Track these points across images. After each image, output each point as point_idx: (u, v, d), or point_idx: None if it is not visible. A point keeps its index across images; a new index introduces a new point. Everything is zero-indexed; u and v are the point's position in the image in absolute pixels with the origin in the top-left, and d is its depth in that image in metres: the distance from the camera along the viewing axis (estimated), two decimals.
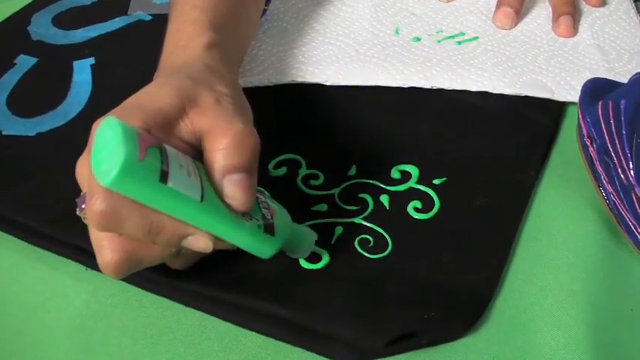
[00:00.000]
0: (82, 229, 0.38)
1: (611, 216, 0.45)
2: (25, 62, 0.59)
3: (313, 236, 0.42)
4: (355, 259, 0.43)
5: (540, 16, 0.63)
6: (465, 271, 0.42)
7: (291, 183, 0.48)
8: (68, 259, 0.44)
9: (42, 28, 0.63)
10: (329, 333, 0.39)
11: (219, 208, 0.36)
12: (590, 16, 0.63)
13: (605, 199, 0.45)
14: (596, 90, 0.47)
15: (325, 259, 0.42)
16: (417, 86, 0.56)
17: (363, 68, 0.57)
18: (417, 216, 0.45)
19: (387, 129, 0.52)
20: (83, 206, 0.36)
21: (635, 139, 0.42)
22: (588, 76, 0.54)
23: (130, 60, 0.59)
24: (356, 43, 0.60)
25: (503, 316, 0.41)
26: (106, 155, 0.33)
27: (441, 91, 0.56)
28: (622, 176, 0.43)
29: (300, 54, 0.58)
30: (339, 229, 0.44)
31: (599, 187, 0.46)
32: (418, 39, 0.60)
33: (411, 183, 0.48)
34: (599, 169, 0.45)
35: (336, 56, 0.58)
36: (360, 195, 0.47)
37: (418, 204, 0.46)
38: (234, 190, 0.36)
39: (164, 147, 0.35)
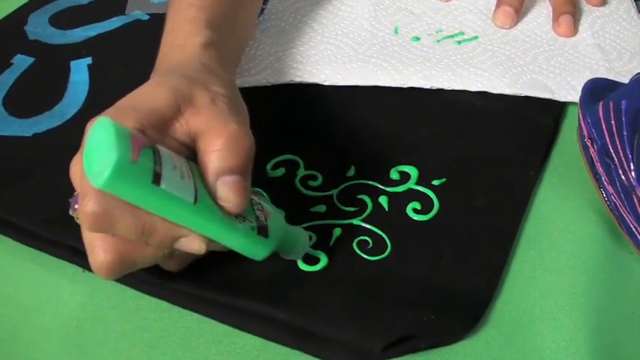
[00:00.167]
0: (79, 231, 0.37)
1: (612, 217, 0.44)
2: (21, 62, 0.59)
3: (306, 238, 0.42)
4: (354, 260, 0.43)
5: (540, 15, 0.63)
6: (465, 273, 0.42)
7: (289, 184, 0.47)
8: (64, 261, 0.44)
9: (39, 28, 0.63)
10: (327, 335, 0.39)
11: (213, 210, 0.35)
12: (591, 15, 0.62)
13: (606, 200, 0.45)
14: (597, 90, 0.47)
15: (323, 261, 0.42)
16: (416, 86, 0.55)
17: (361, 68, 0.56)
18: (416, 217, 0.45)
19: (386, 129, 0.52)
20: (76, 206, 0.35)
21: (636, 139, 0.42)
22: (589, 75, 0.54)
23: (127, 60, 0.59)
24: (355, 42, 0.59)
25: (503, 319, 0.40)
26: (98, 156, 0.32)
27: (440, 91, 0.55)
28: (623, 177, 0.43)
29: (298, 54, 0.58)
30: (337, 231, 0.44)
31: (600, 188, 0.45)
32: (417, 38, 0.60)
33: (410, 184, 0.47)
34: (600, 169, 0.45)
35: (334, 56, 0.58)
36: (359, 196, 0.46)
37: (417, 205, 0.46)
38: (228, 192, 0.36)
39: (157, 148, 0.34)
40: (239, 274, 0.41)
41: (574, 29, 0.60)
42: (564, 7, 0.61)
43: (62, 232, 0.43)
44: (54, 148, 0.51)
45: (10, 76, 0.58)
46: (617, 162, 0.43)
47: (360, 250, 0.43)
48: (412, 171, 0.48)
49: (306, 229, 0.44)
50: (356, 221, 0.45)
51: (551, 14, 0.62)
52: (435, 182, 0.47)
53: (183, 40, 0.45)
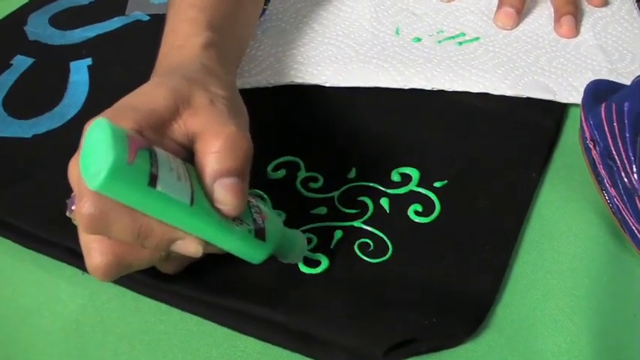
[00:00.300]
0: (78, 233, 0.37)
1: (614, 220, 0.44)
2: (21, 63, 0.59)
3: (305, 241, 0.41)
4: (355, 263, 0.42)
5: (542, 16, 0.62)
6: (466, 276, 0.42)
7: (290, 186, 0.47)
8: (64, 263, 0.43)
9: (39, 28, 0.63)
10: (328, 338, 0.39)
11: (210, 213, 0.35)
12: (593, 16, 0.62)
13: (608, 203, 0.45)
14: (599, 92, 0.47)
15: (324, 264, 0.42)
16: (417, 87, 0.55)
17: (362, 69, 0.56)
18: (417, 219, 0.45)
19: (387, 131, 0.52)
20: (73, 208, 0.35)
21: (639, 142, 0.42)
22: (590, 77, 0.54)
23: (127, 60, 0.59)
24: (356, 43, 0.59)
25: (505, 322, 0.40)
26: (94, 157, 0.32)
27: (441, 93, 0.55)
28: (625, 180, 0.42)
29: (299, 54, 0.58)
30: (338, 233, 0.44)
31: (602, 190, 0.45)
32: (419, 39, 0.60)
33: (412, 186, 0.47)
34: (602, 172, 0.44)
35: (335, 57, 0.58)
36: (360, 198, 0.46)
37: (419, 207, 0.46)
38: (225, 194, 0.35)
39: (154, 149, 0.34)
40: (239, 276, 0.41)
41: (576, 30, 0.60)
42: (566, 7, 0.61)
43: (61, 234, 0.43)
44: (54, 149, 0.50)
45: (10, 76, 0.57)
46: (619, 164, 0.43)
47: (361, 252, 0.43)
48: (413, 173, 0.48)
49: (306, 231, 0.44)
50: (357, 223, 0.45)
51: (552, 15, 0.62)
52: (437, 184, 0.47)
53: (183, 41, 0.44)
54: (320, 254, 0.42)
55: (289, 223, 0.43)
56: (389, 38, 0.60)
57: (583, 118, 0.46)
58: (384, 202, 0.46)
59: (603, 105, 0.44)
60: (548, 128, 0.52)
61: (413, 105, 0.54)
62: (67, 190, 0.37)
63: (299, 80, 0.56)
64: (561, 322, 0.40)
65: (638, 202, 0.42)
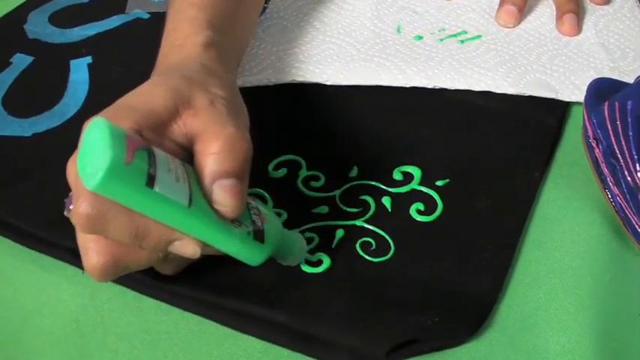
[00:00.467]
0: None
1: (618, 218, 0.44)
2: (21, 61, 0.59)
3: (304, 243, 0.41)
4: (356, 262, 0.42)
5: (544, 14, 0.62)
6: (469, 275, 0.41)
7: (291, 185, 0.47)
8: (64, 263, 0.43)
9: (38, 27, 0.63)
10: (329, 338, 0.38)
11: (208, 214, 0.35)
12: (594, 14, 0.62)
13: (611, 202, 0.44)
14: (602, 90, 0.47)
15: (326, 263, 0.42)
16: (419, 86, 0.55)
17: (364, 67, 0.56)
18: (419, 218, 0.45)
19: (388, 129, 0.51)
20: (71, 207, 0.35)
21: None
22: (593, 75, 0.54)
23: (127, 59, 0.58)
24: (357, 41, 0.59)
25: (508, 321, 0.40)
26: (92, 157, 0.32)
27: (443, 91, 0.55)
28: (628, 178, 0.42)
29: (300, 53, 0.58)
30: (340, 232, 0.44)
31: (605, 189, 0.45)
32: (420, 37, 0.60)
33: (414, 184, 0.47)
34: (605, 170, 0.44)
35: (336, 55, 0.57)
36: (362, 197, 0.46)
37: (421, 206, 0.45)
38: (224, 196, 0.35)
39: (152, 149, 0.34)
40: (240, 276, 0.41)
41: (578, 28, 0.60)
42: (568, 5, 0.61)
43: (62, 234, 0.43)
44: (54, 148, 0.50)
45: (10, 75, 0.57)
46: (622, 163, 0.42)
47: (363, 251, 0.43)
48: (415, 171, 0.48)
49: (308, 230, 0.44)
50: (359, 222, 0.44)
51: (554, 13, 0.62)
52: (439, 183, 0.47)
53: (183, 40, 0.44)
54: (321, 253, 0.42)
55: (290, 222, 0.43)
56: (390, 36, 0.60)
57: (586, 117, 0.46)
58: (386, 201, 0.46)
59: (606, 103, 0.44)
60: (550, 127, 0.52)
61: (414, 103, 0.54)
62: (67, 190, 0.37)
63: (300, 79, 0.55)
64: (564, 321, 0.40)
65: None
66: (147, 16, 0.64)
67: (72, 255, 0.42)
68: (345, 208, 0.45)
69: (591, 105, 0.46)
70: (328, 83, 0.55)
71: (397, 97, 0.54)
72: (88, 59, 0.59)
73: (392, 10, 0.63)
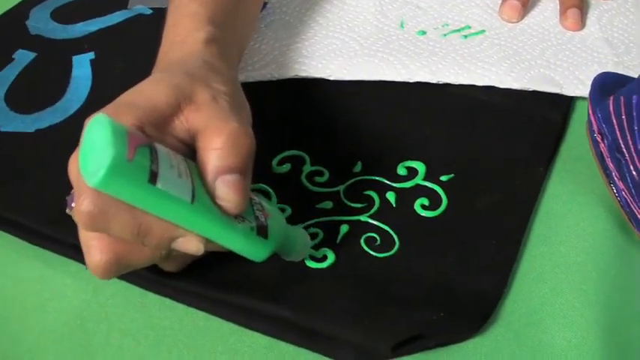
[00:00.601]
0: None
1: (623, 213, 0.44)
2: (23, 57, 0.58)
3: (308, 239, 0.41)
4: (361, 257, 0.42)
5: (547, 8, 0.62)
6: (473, 270, 0.41)
7: (295, 180, 0.47)
8: (68, 259, 0.43)
9: (41, 23, 0.62)
10: (333, 334, 0.38)
11: (211, 210, 0.35)
12: (598, 8, 0.62)
13: (617, 196, 0.44)
14: (607, 85, 0.46)
15: (331, 258, 0.42)
16: (422, 81, 0.55)
17: (367, 63, 0.56)
18: (424, 213, 0.45)
19: (392, 125, 0.51)
20: (73, 204, 0.35)
21: None
22: (597, 69, 0.53)
23: (130, 54, 0.58)
24: (360, 36, 0.59)
25: (514, 316, 0.40)
26: (94, 154, 0.32)
27: (447, 86, 0.55)
28: (634, 173, 0.42)
29: (303, 48, 0.58)
30: (344, 227, 0.44)
31: (610, 183, 0.45)
32: (423, 32, 0.59)
33: (418, 180, 0.47)
34: (611, 165, 0.44)
35: (340, 50, 0.57)
36: (366, 192, 0.46)
37: (425, 201, 0.45)
38: (227, 191, 0.35)
39: (154, 146, 0.34)
40: (244, 272, 0.41)
41: (581, 23, 0.60)
42: (571, 0, 0.60)
43: (65, 230, 0.42)
44: (56, 144, 0.50)
45: (12, 71, 0.57)
46: (627, 157, 0.42)
47: (367, 246, 0.43)
48: (419, 166, 0.47)
49: (312, 225, 0.43)
50: (363, 217, 0.44)
51: (558, 8, 0.61)
52: (443, 178, 0.47)
53: (184, 36, 0.44)
54: (326, 249, 0.42)
55: (295, 218, 0.43)
56: (393, 31, 0.59)
57: (590, 111, 0.46)
58: (390, 196, 0.46)
59: (611, 98, 0.44)
60: (554, 121, 0.52)
61: (418, 99, 0.54)
62: (69, 187, 0.37)
63: (303, 74, 0.55)
64: (570, 316, 0.39)
65: None
66: (149, 11, 0.64)
67: (75, 251, 0.42)
68: (349, 203, 0.45)
69: (596, 100, 0.45)
70: (331, 78, 0.55)
71: (401, 93, 0.54)
72: (91, 55, 0.59)
73: (395, 5, 0.63)
